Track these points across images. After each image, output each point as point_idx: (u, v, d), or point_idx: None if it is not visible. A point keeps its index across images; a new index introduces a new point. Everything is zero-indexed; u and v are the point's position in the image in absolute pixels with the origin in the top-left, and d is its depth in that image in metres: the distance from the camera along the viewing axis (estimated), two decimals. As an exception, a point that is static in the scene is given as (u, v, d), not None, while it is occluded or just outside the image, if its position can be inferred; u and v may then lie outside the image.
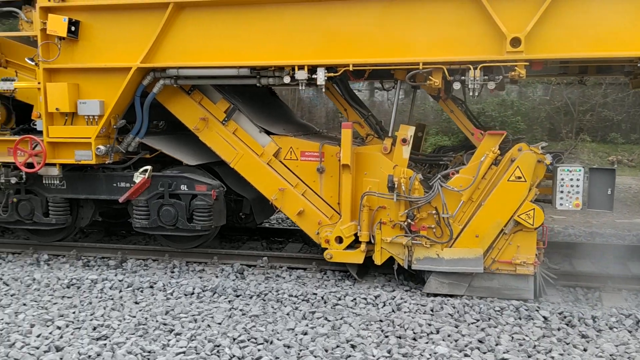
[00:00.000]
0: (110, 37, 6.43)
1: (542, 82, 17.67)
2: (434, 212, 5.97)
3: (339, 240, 6.31)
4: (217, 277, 6.70)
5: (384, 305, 5.61)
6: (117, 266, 7.12)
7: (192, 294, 5.95)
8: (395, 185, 5.95)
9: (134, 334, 4.89)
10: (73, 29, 6.39)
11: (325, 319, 5.27)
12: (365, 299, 5.71)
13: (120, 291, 6.03)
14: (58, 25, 6.30)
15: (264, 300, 5.75)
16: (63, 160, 6.70)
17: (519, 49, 5.45)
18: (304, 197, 6.54)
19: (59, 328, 5.01)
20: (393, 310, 5.51)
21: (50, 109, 6.55)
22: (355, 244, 6.32)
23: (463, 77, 5.71)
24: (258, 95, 7.57)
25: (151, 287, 6.13)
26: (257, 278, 6.66)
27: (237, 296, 5.86)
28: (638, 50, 5.27)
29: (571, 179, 5.69)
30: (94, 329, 5.01)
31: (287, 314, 5.39)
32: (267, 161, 6.61)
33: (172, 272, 6.89)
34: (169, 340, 4.77)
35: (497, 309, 5.44)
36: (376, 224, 6.12)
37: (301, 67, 5.99)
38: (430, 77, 5.76)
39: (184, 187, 6.77)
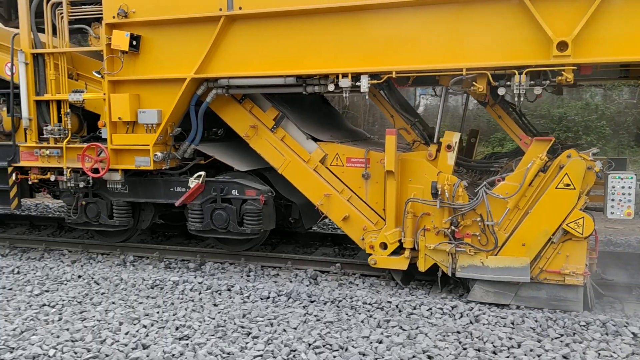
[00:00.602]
0: (167, 50, 6.81)
1: (628, 85, 16.79)
2: (478, 219, 5.88)
3: (384, 246, 6.35)
4: (291, 282, 6.81)
5: (461, 317, 5.47)
6: (196, 269, 7.35)
7: (268, 298, 6.05)
8: (439, 192, 5.92)
9: (213, 335, 5.01)
10: (134, 43, 6.82)
11: (401, 327, 5.19)
12: (441, 309, 5.60)
13: (200, 293, 6.22)
14: (121, 40, 6.75)
15: (338, 307, 5.75)
16: (124, 166, 7.15)
17: (566, 53, 5.30)
18: (349, 203, 6.63)
19: (144, 327, 5.21)
20: (471, 322, 5.35)
21: (113, 118, 7.01)
22: (400, 250, 6.33)
23: (509, 83, 5.60)
24: (308, 103, 7.74)
25: (229, 290, 6.28)
26: (330, 284, 6.68)
27: (312, 302, 5.91)
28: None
29: (622, 187, 5.45)
30: (177, 329, 5.17)
31: (362, 322, 5.35)
32: (313, 167, 6.75)
33: (248, 275, 7.07)
34: (247, 343, 4.86)
35: (582, 324, 5.20)
36: (420, 230, 6.11)
37: (345, 75, 6.10)
38: (474, 82, 5.70)
39: (234, 192, 7.04)
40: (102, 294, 6.20)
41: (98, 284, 6.57)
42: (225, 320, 5.34)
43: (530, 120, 7.68)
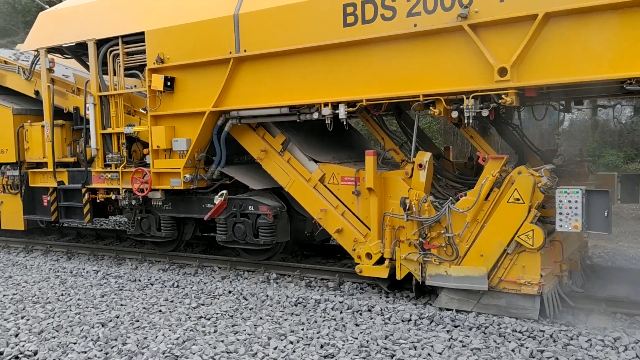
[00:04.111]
0: (193, 88, 8.11)
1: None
2: (443, 231, 6.40)
3: (369, 256, 7.04)
4: (431, 304, 6.67)
5: (626, 349, 5.05)
6: (335, 288, 7.51)
7: (410, 320, 6.01)
8: (407, 207, 6.53)
9: (357, 355, 5.07)
10: (169, 84, 8.20)
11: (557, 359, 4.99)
12: (602, 340, 5.22)
13: (341, 312, 6.36)
14: (157, 82, 8.18)
15: (485, 334, 5.57)
16: (163, 186, 8.53)
17: (506, 78, 5.75)
18: (343, 217, 7.40)
19: (291, 342, 5.42)
20: (637, 356, 4.95)
21: (154, 147, 8.44)
22: (383, 260, 6.97)
23: (461, 106, 6.13)
24: (322, 128, 8.60)
25: (369, 310, 6.35)
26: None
27: (456, 326, 5.80)
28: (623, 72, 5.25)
29: (569, 201, 5.71)
30: (321, 346, 5.31)
31: (512, 350, 5.13)
32: (313, 185, 7.62)
33: (387, 297, 7.04)
34: (391, 364, 4.86)
35: None
36: (393, 241, 6.74)
37: (326, 104, 6.97)
38: (431, 107, 6.30)
39: (251, 208, 8.11)
40: (250, 309, 6.57)
41: (246, 300, 6.98)
42: (368, 341, 5.39)
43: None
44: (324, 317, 6.23)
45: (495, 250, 6.09)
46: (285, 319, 6.17)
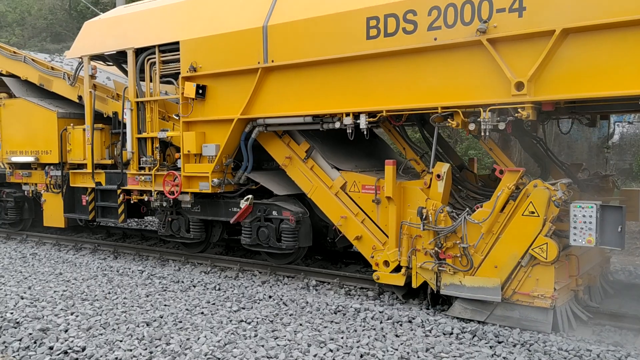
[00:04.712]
0: (223, 96, 8.42)
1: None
2: (459, 242, 6.49)
3: (386, 264, 7.18)
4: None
5: None
6: (375, 297, 7.49)
7: (451, 334, 5.96)
8: (424, 216, 6.65)
9: None
10: (200, 91, 8.54)
11: None
12: None
13: (381, 322, 6.35)
14: (189, 89, 8.53)
15: (529, 351, 5.47)
16: (192, 189, 8.87)
17: (523, 92, 5.82)
18: (363, 225, 7.55)
19: (331, 350, 5.41)
20: None
21: (185, 151, 8.79)
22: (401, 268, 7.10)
23: (479, 119, 6.22)
24: (345, 137, 8.80)
25: (410, 321, 6.33)
26: (519, 325, 6.27)
27: (499, 342, 5.72)
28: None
29: (583, 215, 5.73)
30: (361, 356, 5.30)
31: None
32: (335, 192, 7.80)
33: (428, 309, 6.97)
34: (432, 378, 4.85)
35: None
36: (410, 250, 6.86)
37: (347, 114, 7.16)
38: (448, 119, 6.42)
39: (274, 213, 8.36)
40: (290, 315, 6.64)
41: (286, 305, 7.07)
42: (408, 353, 5.36)
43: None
44: (364, 327, 6.24)
45: (509, 262, 6.14)
46: (325, 327, 6.20)
